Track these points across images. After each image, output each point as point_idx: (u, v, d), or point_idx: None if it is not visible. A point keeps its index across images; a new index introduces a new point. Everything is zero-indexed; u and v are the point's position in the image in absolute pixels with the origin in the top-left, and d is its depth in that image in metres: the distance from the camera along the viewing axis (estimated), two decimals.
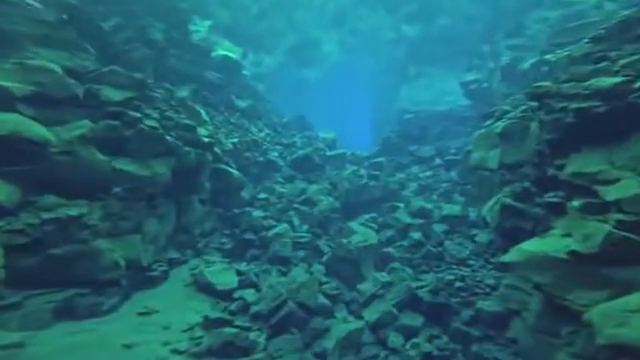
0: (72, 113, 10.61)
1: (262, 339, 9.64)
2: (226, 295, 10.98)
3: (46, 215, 8.45)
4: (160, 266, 11.16)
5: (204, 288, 11.14)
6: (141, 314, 9.46)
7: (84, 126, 10.31)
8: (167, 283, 11.15)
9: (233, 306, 10.47)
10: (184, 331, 8.96)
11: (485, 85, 25.93)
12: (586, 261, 6.81)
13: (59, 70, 10.68)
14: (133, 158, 11.37)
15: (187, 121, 14.29)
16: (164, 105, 14.03)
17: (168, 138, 12.57)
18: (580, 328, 6.31)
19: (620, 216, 6.47)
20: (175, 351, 8.04)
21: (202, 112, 16.96)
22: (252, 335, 9.46)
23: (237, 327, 9.46)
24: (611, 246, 6.49)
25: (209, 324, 9.31)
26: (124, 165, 11.00)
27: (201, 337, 8.71)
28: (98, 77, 12.24)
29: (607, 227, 6.61)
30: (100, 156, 10.39)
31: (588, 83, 8.98)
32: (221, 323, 9.45)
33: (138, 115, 11.89)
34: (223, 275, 11.56)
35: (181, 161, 13.10)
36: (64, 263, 8.98)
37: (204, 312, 9.85)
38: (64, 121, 10.21)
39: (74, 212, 8.87)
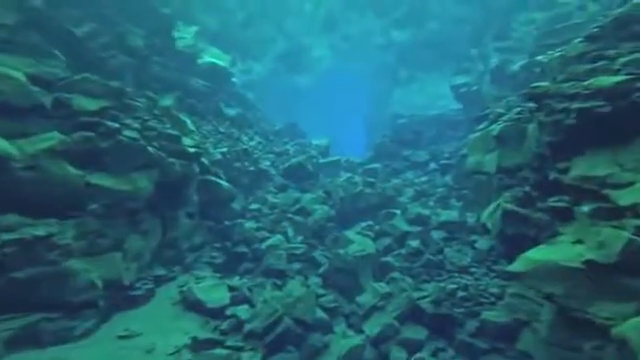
0: (37, 124, 9.76)
1: None
2: (217, 313, 10.27)
3: (7, 236, 7.65)
4: (145, 284, 10.38)
5: (193, 306, 10.40)
6: (121, 337, 8.66)
7: (52, 138, 9.50)
8: (152, 302, 10.36)
9: (224, 325, 9.79)
10: (170, 354, 8.21)
11: (475, 88, 25.91)
12: (603, 271, 6.37)
13: (21, 77, 9.84)
14: (111, 172, 10.62)
15: (171, 131, 13.64)
16: (146, 114, 13.34)
17: (150, 149, 11.90)
18: (606, 343, 5.81)
19: (638, 222, 6.07)
20: None
21: (188, 121, 16.32)
22: (245, 356, 8.81)
23: (229, 348, 8.81)
24: (631, 254, 6.05)
25: (198, 345, 8.62)
26: (100, 180, 10.23)
27: None
28: (69, 85, 11.46)
29: (625, 234, 6.19)
30: (72, 170, 9.59)
31: (588, 82, 8.69)
32: (211, 344, 8.79)
33: (116, 125, 11.19)
34: (214, 291, 10.86)
35: (165, 173, 12.42)
36: (29, 286, 8.19)
37: (193, 332, 9.12)
38: (29, 133, 9.36)
39: (41, 232, 8.10)
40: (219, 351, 8.54)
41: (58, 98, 10.66)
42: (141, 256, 10.78)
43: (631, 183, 6.68)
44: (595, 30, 10.95)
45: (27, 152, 8.77)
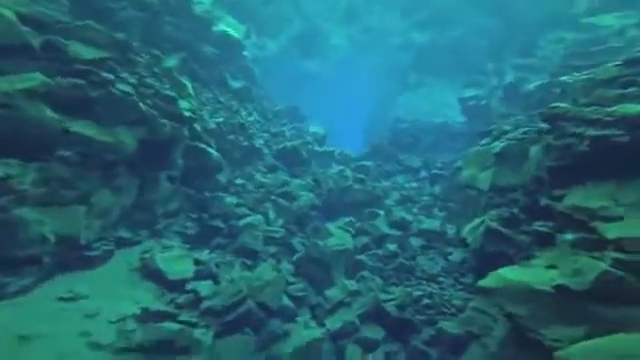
0: (21, 64, 9.26)
1: (208, 337, 8.75)
2: (177, 286, 9.89)
3: None
4: (104, 245, 9.83)
5: (152, 275, 9.99)
6: (62, 299, 8.03)
7: (34, 79, 8.99)
8: (108, 265, 9.79)
9: (182, 299, 9.45)
10: (113, 322, 7.71)
11: (484, 102, 25.42)
12: (572, 297, 6.35)
13: (11, 15, 9.38)
14: (96, 122, 10.18)
15: (169, 92, 13.24)
16: (145, 71, 12.91)
17: (142, 106, 11.50)
18: None
19: (619, 255, 6.05)
20: (93, 345, 6.85)
21: (188, 85, 15.84)
22: (197, 332, 8.54)
23: (181, 322, 8.47)
24: (604, 284, 6.06)
25: (147, 317, 8.20)
26: (82, 128, 9.73)
27: (133, 331, 7.62)
28: (68, 30, 11.00)
29: (602, 265, 6.19)
30: (50, 113, 9.08)
31: (612, 109, 8.24)
32: (162, 317, 8.41)
33: (110, 77, 10.77)
34: (178, 263, 10.50)
35: (154, 132, 12.04)
36: None
37: (145, 302, 8.68)
38: (9, 71, 8.85)
39: None
40: (169, 325, 8.16)
41: (50, 41, 10.20)
42: (108, 214, 10.31)
43: (622, 218, 6.54)
44: (638, 54, 10.37)
45: (1, 89, 8.18)
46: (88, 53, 10.90)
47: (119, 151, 10.50)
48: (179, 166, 13.84)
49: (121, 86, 11.13)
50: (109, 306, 8.18)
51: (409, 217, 16.44)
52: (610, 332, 5.52)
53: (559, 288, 6.58)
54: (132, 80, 11.82)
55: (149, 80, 12.77)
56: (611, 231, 6.35)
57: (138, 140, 11.29)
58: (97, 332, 7.29)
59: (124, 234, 10.85)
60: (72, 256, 9.25)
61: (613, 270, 6.02)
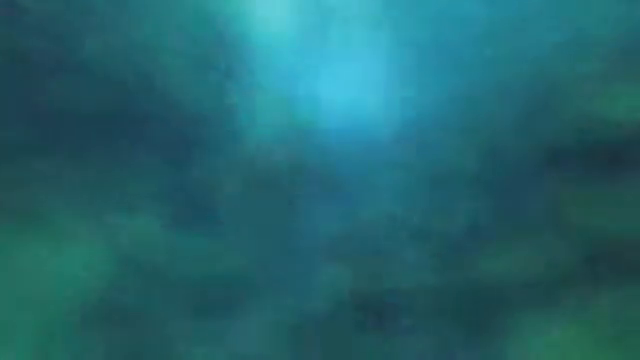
0: None
1: (175, 314, 8.50)
2: (149, 264, 9.54)
3: None
4: (67, 219, 9.29)
5: (119, 250, 9.51)
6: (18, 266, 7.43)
7: None
8: (69, 239, 9.16)
9: (153, 277, 9.06)
10: (69, 291, 7.19)
11: (471, 99, 25.61)
12: (545, 284, 6.38)
13: None
14: (55, 84, 9.51)
15: (145, 64, 12.57)
16: (116, 38, 12.18)
17: (114, 69, 10.86)
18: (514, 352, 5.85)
19: (589, 244, 6.09)
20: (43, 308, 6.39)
21: (169, 58, 15.15)
22: (160, 307, 8.25)
23: (146, 297, 8.16)
24: (573, 272, 6.07)
25: (111, 289, 7.75)
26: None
27: (93, 303, 7.21)
28: None
29: (572, 252, 6.21)
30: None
31: (601, 106, 8.20)
32: (129, 290, 8.03)
33: (73, 34, 10.04)
34: (150, 241, 10.11)
35: (131, 100, 11.42)
36: None
37: (108, 277, 8.16)
38: None
39: None
40: (131, 298, 7.81)
41: None
42: (70, 185, 9.68)
43: (597, 211, 6.58)
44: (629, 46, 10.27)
45: None
46: (44, 5, 10.09)
47: (88, 118, 9.87)
48: (160, 139, 13.26)
49: (88, 45, 10.46)
50: (66, 274, 7.60)
51: (396, 207, 16.58)
52: (579, 321, 5.57)
53: (532, 275, 6.68)
54: (100, 41, 11.11)
55: (119, 45, 12.09)
56: (582, 220, 6.42)
57: (106, 109, 10.68)
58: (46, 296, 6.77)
59: (87, 209, 10.22)
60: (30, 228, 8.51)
61: (581, 258, 6.07)
